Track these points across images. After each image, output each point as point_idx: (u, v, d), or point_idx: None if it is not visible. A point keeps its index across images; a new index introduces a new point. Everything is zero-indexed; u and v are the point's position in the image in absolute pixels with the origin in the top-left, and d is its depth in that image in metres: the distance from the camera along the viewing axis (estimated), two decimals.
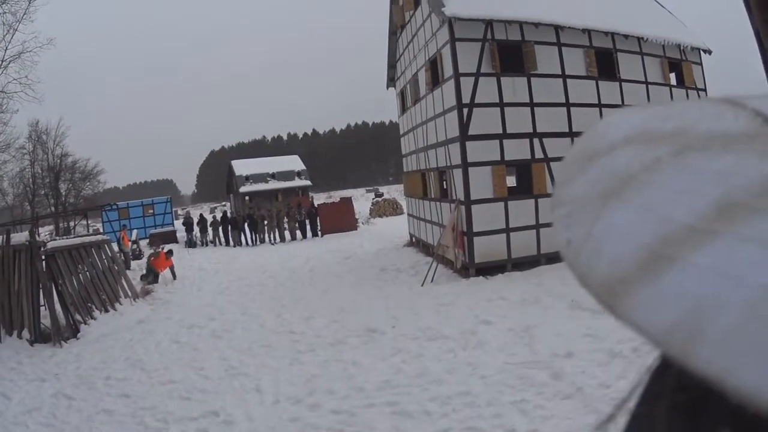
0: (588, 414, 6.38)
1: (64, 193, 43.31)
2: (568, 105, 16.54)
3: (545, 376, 7.76)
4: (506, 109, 16.12)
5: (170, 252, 21.29)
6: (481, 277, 15.52)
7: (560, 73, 16.63)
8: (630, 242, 0.32)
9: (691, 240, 0.30)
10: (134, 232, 30.26)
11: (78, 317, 14.03)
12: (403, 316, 12.22)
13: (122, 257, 22.59)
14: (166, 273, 20.86)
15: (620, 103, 17.15)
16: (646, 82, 18.06)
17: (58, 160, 42.95)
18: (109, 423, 8.23)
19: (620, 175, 0.37)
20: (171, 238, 37.18)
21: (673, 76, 19.27)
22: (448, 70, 16.65)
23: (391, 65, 26.27)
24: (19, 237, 15.15)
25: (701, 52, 19.93)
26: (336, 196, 68.52)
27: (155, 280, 19.85)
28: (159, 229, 40.34)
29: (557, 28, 16.43)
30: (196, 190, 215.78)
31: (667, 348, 0.28)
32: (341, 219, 34.49)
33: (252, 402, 8.33)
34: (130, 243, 26.25)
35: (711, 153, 0.33)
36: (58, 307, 13.87)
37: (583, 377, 7.47)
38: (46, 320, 13.66)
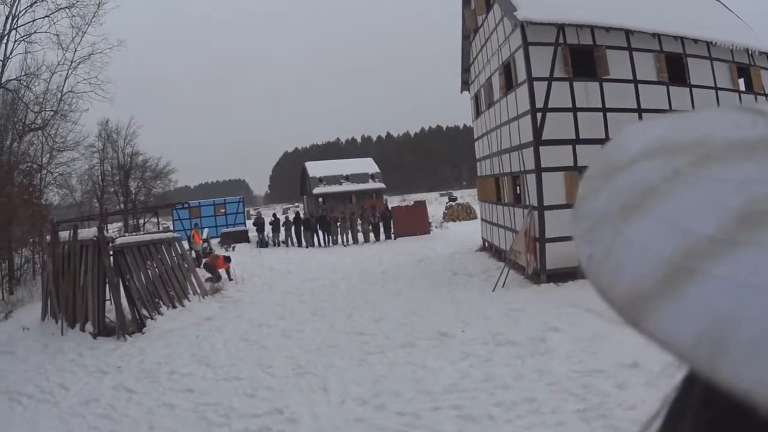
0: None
1: (134, 191, 44.01)
2: (639, 111, 16.27)
3: (609, 385, 7.69)
4: (579, 114, 15.97)
5: (228, 258, 21.30)
6: (552, 283, 15.35)
7: (632, 78, 16.39)
8: (651, 257, 0.33)
9: (712, 251, 0.30)
10: (205, 231, 30.63)
11: (144, 312, 14.24)
12: (474, 320, 12.18)
13: (193, 255, 22.88)
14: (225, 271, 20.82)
15: (690, 108, 16.81)
16: (716, 88, 17.64)
17: (129, 159, 43.67)
18: (170, 417, 8.34)
19: (640, 189, 0.38)
20: (242, 237, 37.61)
21: (741, 82, 18.82)
22: (521, 75, 16.57)
23: (465, 69, 26.24)
24: (87, 233, 15.47)
25: None
26: (410, 199, 68.40)
27: (219, 278, 19.88)
28: (230, 229, 40.93)
29: (627, 33, 16.19)
30: (269, 191, 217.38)
31: (693, 362, 0.28)
32: (415, 222, 34.29)
33: (318, 401, 8.36)
34: (201, 242, 26.60)
35: (730, 162, 0.34)
36: (124, 301, 14.13)
37: (648, 388, 7.35)
38: (111, 314, 13.94)
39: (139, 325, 13.92)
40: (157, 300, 14.91)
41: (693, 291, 0.29)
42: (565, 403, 7.34)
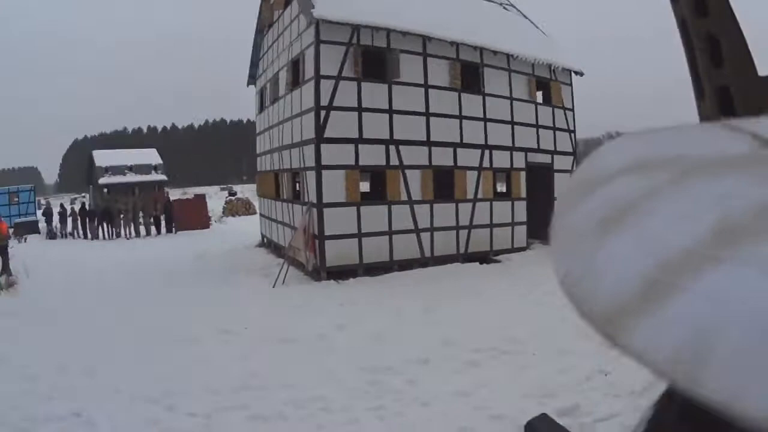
0: (448, 422, 6.46)
1: None
2: (428, 114, 16.82)
3: (401, 382, 7.83)
4: (364, 114, 16.29)
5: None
6: (332, 280, 15.62)
7: (423, 83, 16.89)
8: (629, 272, 0.32)
9: (690, 266, 0.30)
10: None
11: None
12: (256, 317, 12.09)
13: None
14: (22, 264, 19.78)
15: (482, 116, 17.67)
16: (511, 98, 18.56)
17: None
18: None
19: (619, 205, 0.36)
20: (33, 228, 36.26)
21: (540, 94, 19.90)
22: (309, 72, 16.67)
23: (254, 63, 26.03)
24: None
25: (572, 73, 20.68)
26: (191, 192, 67.52)
27: (9, 271, 18.63)
28: (23, 219, 38.95)
29: (425, 39, 16.69)
30: (59, 180, 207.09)
31: (671, 377, 0.28)
32: (195, 216, 34.33)
33: (109, 402, 7.91)
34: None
35: (708, 177, 0.34)
36: None
37: (440, 385, 7.54)
38: None
39: None
40: None
41: (671, 306, 0.29)
42: (356, 400, 7.37)
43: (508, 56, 18.38)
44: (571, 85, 20.92)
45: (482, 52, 17.88)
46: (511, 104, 18.63)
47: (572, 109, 20.91)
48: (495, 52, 18.06)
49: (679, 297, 0.29)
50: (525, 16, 22.26)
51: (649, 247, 0.32)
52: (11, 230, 31.70)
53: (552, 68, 19.78)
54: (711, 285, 0.28)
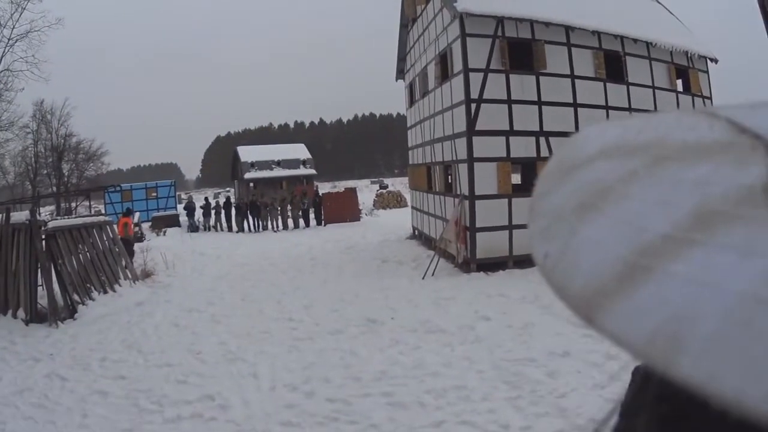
0: (581, 414, 6.40)
1: (66, 174, 43.14)
2: (575, 105, 16.54)
3: (541, 374, 7.78)
4: (514, 106, 16.14)
5: (128, 211, 21.92)
6: (482, 272, 15.50)
7: (569, 73, 16.62)
8: (607, 255, 0.33)
9: (668, 250, 0.30)
10: (137, 214, 30.34)
11: (76, 298, 13.79)
12: (403, 308, 12.22)
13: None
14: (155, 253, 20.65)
15: (627, 106, 17.18)
16: (653, 87, 18.01)
17: (62, 140, 42.84)
18: (103, 404, 8.07)
19: (597, 188, 0.38)
20: (174, 221, 37.59)
21: (680, 83, 19.24)
22: (457, 65, 16.68)
23: (401, 57, 26.28)
24: (19, 216, 14.85)
25: (708, 60, 19.90)
26: (341, 186, 68.37)
27: (132, 254, 19.17)
28: (162, 213, 40.70)
29: (568, 29, 16.43)
30: (200, 175, 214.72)
31: (648, 358, 0.28)
32: (345, 209, 34.47)
33: (248, 387, 8.26)
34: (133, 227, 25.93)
35: (686, 163, 0.34)
36: (56, 287, 13.67)
37: (578, 377, 7.48)
38: (43, 300, 13.47)
39: (71, 311, 13.51)
40: (88, 285, 14.44)
41: (649, 288, 0.29)
42: (495, 390, 7.38)
43: (648, 44, 17.82)
44: (707, 72, 20.10)
45: (623, 40, 17.43)
46: (654, 93, 18.02)
47: (710, 98, 20.06)
48: (635, 40, 17.59)
49: (656, 280, 0.29)
50: (658, 2, 21.56)
51: (626, 230, 0.33)
52: (148, 224, 33.14)
53: (689, 55, 19.05)
54: (688, 268, 0.28)
